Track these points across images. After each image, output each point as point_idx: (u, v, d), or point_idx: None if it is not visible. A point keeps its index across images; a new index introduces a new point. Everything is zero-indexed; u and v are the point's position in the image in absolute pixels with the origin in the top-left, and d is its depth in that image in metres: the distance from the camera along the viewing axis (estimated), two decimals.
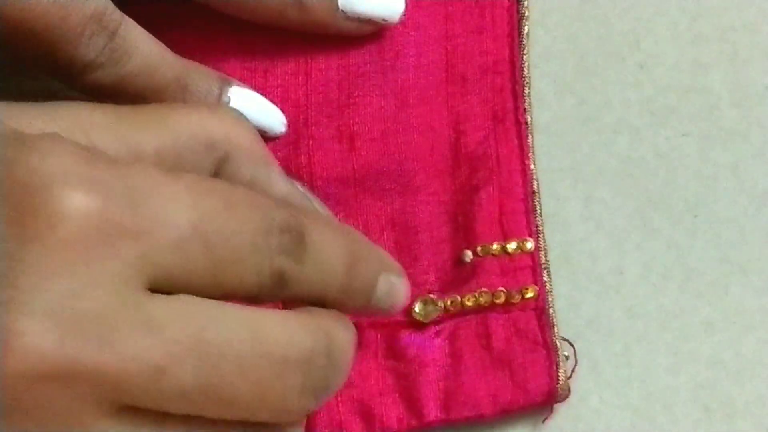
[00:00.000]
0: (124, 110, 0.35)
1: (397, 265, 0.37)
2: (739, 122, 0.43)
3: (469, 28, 0.42)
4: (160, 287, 0.30)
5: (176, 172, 0.31)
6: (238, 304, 0.31)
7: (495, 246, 0.40)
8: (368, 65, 0.42)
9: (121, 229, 0.29)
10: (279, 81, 0.42)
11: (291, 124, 0.42)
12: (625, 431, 0.40)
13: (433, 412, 0.39)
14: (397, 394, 0.39)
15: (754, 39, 0.43)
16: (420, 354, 0.40)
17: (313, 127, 0.42)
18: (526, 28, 0.42)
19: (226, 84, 0.40)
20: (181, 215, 0.30)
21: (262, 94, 0.41)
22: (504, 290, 0.40)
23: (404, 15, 0.41)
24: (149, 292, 0.30)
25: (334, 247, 0.34)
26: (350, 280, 0.34)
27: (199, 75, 0.40)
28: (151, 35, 0.39)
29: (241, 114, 0.38)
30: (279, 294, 0.32)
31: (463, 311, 0.40)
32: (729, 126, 0.43)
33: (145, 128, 0.35)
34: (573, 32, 0.43)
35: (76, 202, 0.29)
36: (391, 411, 0.39)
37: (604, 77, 0.43)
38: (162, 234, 0.30)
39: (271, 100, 0.41)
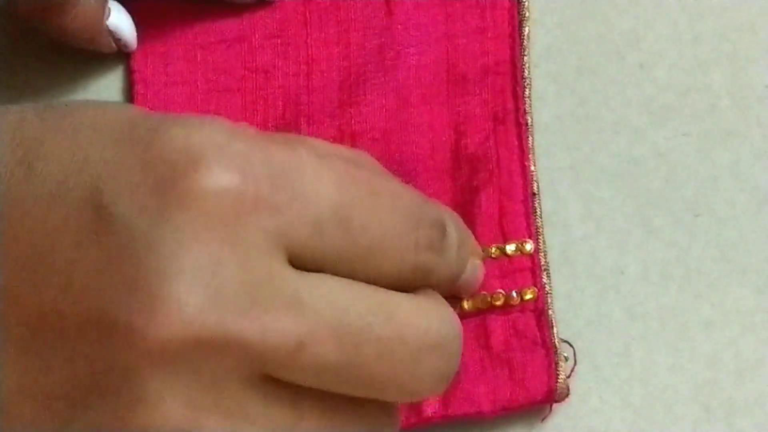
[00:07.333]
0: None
1: (479, 247, 0.39)
2: (739, 122, 0.43)
3: (470, 28, 0.42)
4: (297, 265, 0.29)
5: (326, 156, 0.31)
6: (372, 286, 0.30)
7: (494, 248, 0.40)
8: (369, 65, 0.42)
9: (260, 202, 0.29)
10: (280, 81, 0.42)
11: (292, 124, 0.42)
12: (625, 431, 0.40)
13: (431, 407, 0.39)
14: None
15: (754, 39, 0.43)
16: None
17: (314, 127, 0.42)
18: (527, 29, 0.42)
19: None
20: (322, 195, 0.30)
21: (263, 94, 0.42)
22: (503, 292, 0.40)
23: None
24: (291, 266, 0.29)
25: (456, 237, 0.34)
26: (457, 267, 0.34)
27: None
28: None
29: None
30: (413, 284, 0.32)
31: (461, 314, 0.40)
32: (729, 126, 0.42)
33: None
34: (573, 32, 0.43)
35: (219, 175, 0.28)
36: None
37: (604, 77, 0.43)
38: (300, 209, 0.29)
39: (273, 101, 0.42)
